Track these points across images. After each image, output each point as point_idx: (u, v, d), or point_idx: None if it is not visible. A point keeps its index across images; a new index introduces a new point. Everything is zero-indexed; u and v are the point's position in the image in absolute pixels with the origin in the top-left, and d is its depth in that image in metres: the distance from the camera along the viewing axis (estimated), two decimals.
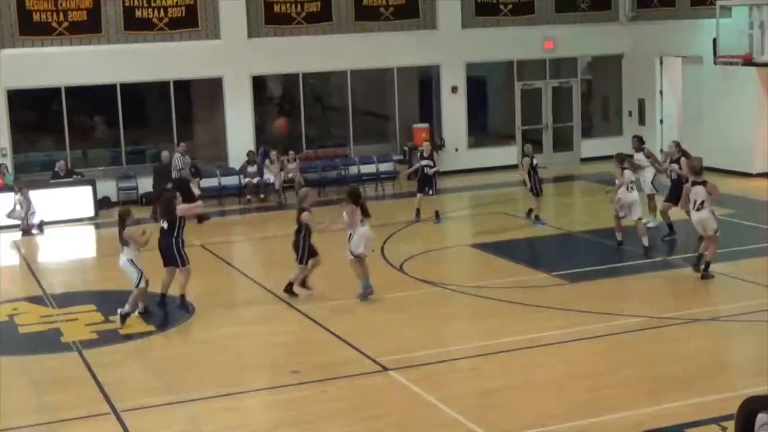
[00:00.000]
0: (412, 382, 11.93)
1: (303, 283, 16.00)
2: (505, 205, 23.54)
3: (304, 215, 15.77)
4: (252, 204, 24.88)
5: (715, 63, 23.57)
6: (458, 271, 18.25)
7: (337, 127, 28.21)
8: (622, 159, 18.52)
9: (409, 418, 10.97)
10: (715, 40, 22.97)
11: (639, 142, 20.22)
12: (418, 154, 22.50)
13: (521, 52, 28.62)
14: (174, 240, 15.31)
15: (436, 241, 20.30)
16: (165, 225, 15.36)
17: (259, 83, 26.93)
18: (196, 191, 23.98)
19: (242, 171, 25.40)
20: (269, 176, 25.21)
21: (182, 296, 15.51)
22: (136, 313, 14.98)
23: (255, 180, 25.22)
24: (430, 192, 21.70)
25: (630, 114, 29.67)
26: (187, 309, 15.42)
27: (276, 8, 26.35)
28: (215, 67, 25.64)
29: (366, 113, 29.01)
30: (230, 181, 25.53)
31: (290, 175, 25.40)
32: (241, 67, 25.90)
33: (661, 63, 28.60)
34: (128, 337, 14.29)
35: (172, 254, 15.33)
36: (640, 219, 18.36)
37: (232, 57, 25.70)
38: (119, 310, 14.71)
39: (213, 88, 26.15)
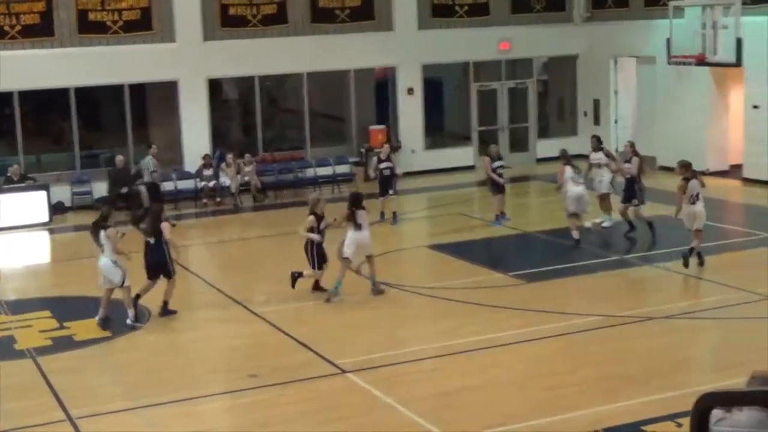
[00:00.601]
0: (371, 384, 11.92)
1: (316, 286, 16.11)
2: (462, 206, 23.59)
3: (309, 219, 15.75)
4: (208, 208, 24.73)
5: (668, 63, 23.77)
6: (416, 272, 18.25)
7: (294, 130, 28.13)
8: (563, 155, 19.30)
9: (369, 420, 10.95)
10: (668, 41, 23.17)
11: (597, 142, 20.36)
12: (376, 156, 22.47)
13: (477, 53, 28.70)
14: (165, 254, 15.19)
15: (394, 243, 20.29)
16: (152, 240, 15.17)
17: (214, 86, 26.79)
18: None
19: (198, 174, 25.25)
20: (225, 180, 25.09)
21: (165, 303, 15.32)
22: (97, 318, 14.79)
23: (211, 183, 25.09)
24: (392, 193, 21.78)
25: (585, 114, 29.86)
26: (172, 314, 15.29)
27: (231, 11, 26.23)
28: (170, 70, 25.48)
29: (322, 115, 28.95)
30: (186, 184, 25.36)
31: (246, 179, 25.29)
32: (196, 70, 25.75)
33: (616, 63, 28.81)
34: (84, 344, 14.15)
35: (164, 267, 15.20)
36: (578, 213, 18.93)
37: (188, 60, 25.55)
38: (128, 322, 14.64)
39: (168, 91, 25.97)
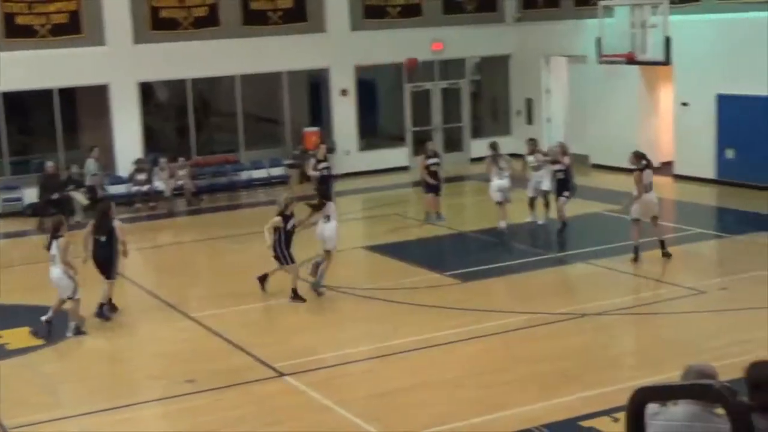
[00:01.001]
0: (309, 387, 11.89)
1: (263, 281, 16.01)
2: (397, 206, 23.61)
3: (276, 219, 15.57)
4: (142, 212, 24.46)
5: (599, 62, 24.02)
6: (351, 273, 18.20)
7: (228, 133, 27.94)
8: (492, 148, 20.18)
9: (307, 422, 10.93)
10: (598, 40, 23.41)
11: (533, 145, 20.47)
12: (313, 158, 22.35)
13: (410, 54, 28.74)
14: (113, 252, 15.18)
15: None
16: (103, 238, 15.12)
17: (146, 89, 26.54)
18: (84, 201, 23.57)
19: (131, 179, 24.99)
20: (159, 184, 24.87)
21: (102, 305, 15.24)
22: (43, 318, 14.55)
23: (144, 188, 24.84)
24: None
25: (518, 113, 30.08)
26: (106, 317, 15.19)
27: (162, 13, 25.99)
28: (101, 74, 25.17)
29: (256, 118, 28.81)
30: (119, 189, 25.06)
31: (180, 183, 25.09)
32: (127, 74, 25.47)
33: (547, 63, 29.06)
34: (16, 353, 13.90)
35: (108, 266, 15.16)
36: (507, 202, 19.71)
37: (118, 63, 25.27)
38: (68, 334, 14.32)
39: (99, 95, 25.66)
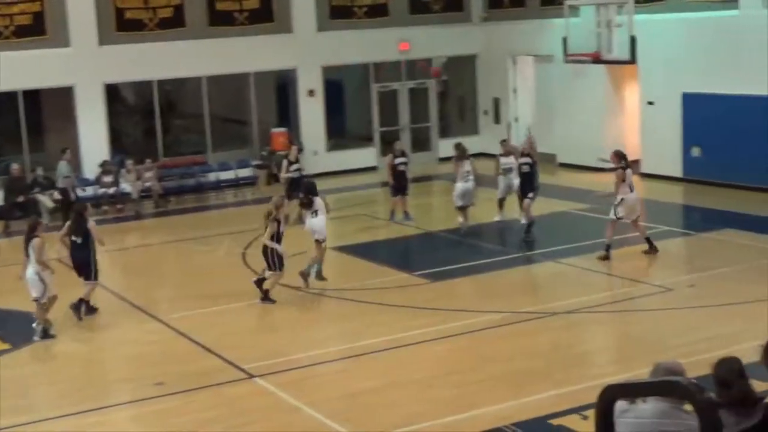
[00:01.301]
0: (279, 388, 11.87)
1: (265, 292, 15.66)
2: (366, 207, 23.61)
3: (273, 225, 15.48)
4: (109, 214, 24.29)
5: (565, 61, 24.14)
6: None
7: (195, 134, 27.84)
8: (457, 149, 20.29)
9: (278, 424, 10.91)
10: (564, 39, 23.52)
11: (506, 146, 20.50)
12: (285, 159, 22.15)
13: (377, 54, 28.77)
14: (90, 253, 15.28)
15: (298, 245, 20.18)
16: (79, 240, 15.20)
17: (112, 91, 26.37)
18: (50, 204, 23.40)
19: (98, 181, 24.83)
20: (126, 186, 24.72)
21: (87, 302, 15.37)
22: (37, 336, 14.41)
23: (111, 190, 24.69)
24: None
25: (485, 113, 30.16)
26: (91, 311, 15.42)
27: (127, 14, 25.85)
28: (66, 76, 25.00)
29: (223, 119, 28.73)
30: (85, 191, 24.89)
31: (147, 184, 24.96)
32: (92, 76, 25.31)
33: (514, 62, 29.15)
34: None
35: (86, 267, 15.26)
36: (470, 206, 19.85)
37: (83, 65, 25.11)
38: (35, 338, 14.28)
39: (64, 97, 25.49)
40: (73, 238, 15.33)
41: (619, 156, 17.45)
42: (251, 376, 12.37)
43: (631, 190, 17.17)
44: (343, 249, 19.35)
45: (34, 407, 11.76)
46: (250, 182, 26.65)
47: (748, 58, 21.99)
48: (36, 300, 14.37)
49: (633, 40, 21.26)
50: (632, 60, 21.87)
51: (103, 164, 24.80)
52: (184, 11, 26.39)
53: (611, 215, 17.33)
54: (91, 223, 15.59)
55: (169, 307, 15.83)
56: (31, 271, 14.34)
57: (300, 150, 26.52)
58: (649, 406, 6.02)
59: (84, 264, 15.31)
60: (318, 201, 16.52)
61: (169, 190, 25.62)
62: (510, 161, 19.99)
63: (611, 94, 26.21)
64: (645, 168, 25.03)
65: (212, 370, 12.71)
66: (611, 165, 17.72)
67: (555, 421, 10.37)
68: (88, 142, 25.47)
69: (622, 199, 17.11)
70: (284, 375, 12.34)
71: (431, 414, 10.80)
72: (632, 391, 6.10)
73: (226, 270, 18.22)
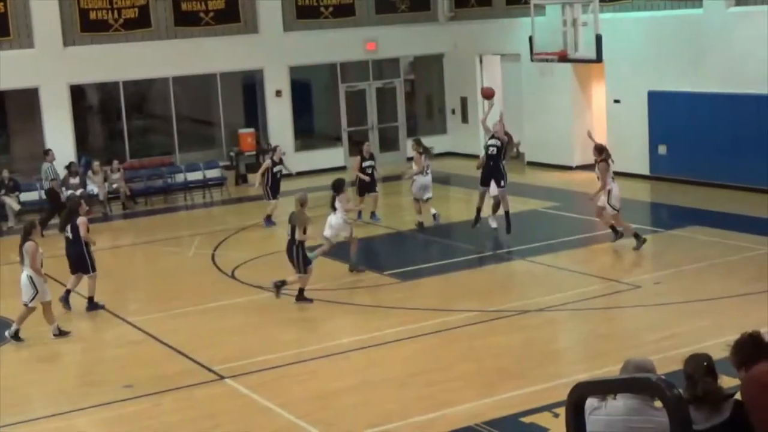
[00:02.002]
0: (250, 389, 11.83)
1: (301, 296, 15.53)
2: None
3: (310, 231, 15.43)
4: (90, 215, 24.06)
5: (532, 60, 24.17)
6: (290, 275, 18.13)
7: (162, 135, 27.72)
8: (419, 144, 20.62)
9: (249, 425, 10.88)
10: (531, 38, 23.57)
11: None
12: (271, 157, 21.83)
13: (344, 54, 28.75)
14: (82, 247, 15.54)
15: (267, 246, 20.16)
16: (70, 234, 15.48)
17: (77, 92, 26.18)
18: (16, 206, 23.22)
19: (64, 183, 24.63)
20: (93, 187, 24.54)
21: (91, 298, 15.65)
22: (52, 335, 14.36)
23: (78, 192, 24.47)
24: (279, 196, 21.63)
25: (453, 112, 30.20)
26: (99, 308, 15.67)
27: (92, 15, 25.67)
28: (30, 77, 24.77)
29: (190, 120, 28.61)
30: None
31: (114, 186, 24.82)
32: (57, 77, 25.12)
33: (481, 61, 29.21)
34: None
35: (82, 262, 15.55)
36: (428, 199, 20.09)
37: (48, 66, 24.91)
38: (8, 333, 14.24)
39: (29, 98, 25.29)
40: (66, 233, 15.64)
41: (600, 149, 17.71)
42: (221, 377, 12.33)
43: (613, 182, 17.57)
44: (312, 249, 19.26)
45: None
46: (219, 183, 26.55)
47: (713, 57, 22.17)
48: (25, 304, 14.26)
49: (599, 39, 21.29)
50: (598, 58, 21.93)
51: (70, 166, 24.59)
52: (149, 12, 26.25)
53: (610, 210, 17.50)
54: (80, 219, 15.66)
55: (137, 309, 15.75)
56: (24, 274, 14.29)
57: (264, 151, 26.56)
58: (619, 403, 6.05)
59: (78, 258, 15.57)
60: (342, 197, 17.12)
61: (137, 192, 25.50)
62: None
63: (578, 92, 26.32)
64: (612, 166, 25.09)
65: (182, 372, 12.65)
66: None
67: (526, 419, 10.40)
68: (54, 144, 25.20)
69: (609, 191, 17.36)
70: (255, 376, 12.31)
71: (403, 413, 10.80)
72: (602, 388, 6.13)
73: (195, 271, 18.15)
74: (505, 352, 12.76)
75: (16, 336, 14.32)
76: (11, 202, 23.28)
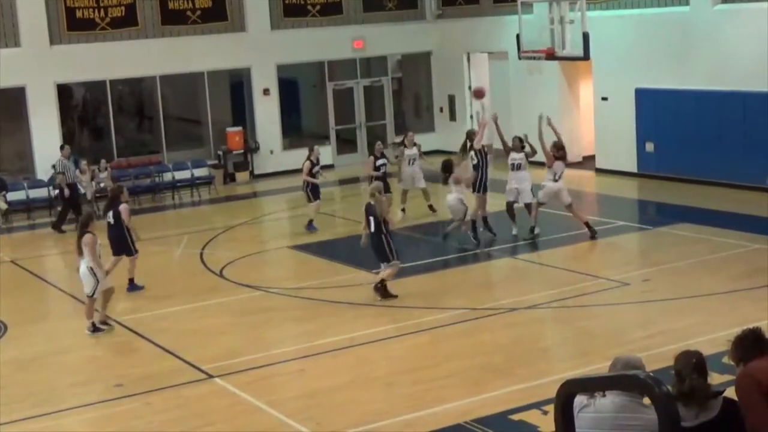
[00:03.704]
0: (239, 388, 11.82)
1: (383, 288, 15.14)
2: (322, 205, 23.51)
3: (383, 207, 15.23)
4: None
5: (519, 58, 24.22)
6: (279, 273, 18.18)
7: (149, 134, 27.68)
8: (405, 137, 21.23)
9: (238, 424, 10.86)
10: (518, 36, 23.61)
11: (520, 142, 19.05)
12: (308, 161, 20.75)
13: (331, 53, 28.74)
14: (123, 231, 16.16)
15: (255, 245, 20.16)
16: (112, 220, 16.00)
17: (64, 91, 26.12)
18: (3, 205, 23.15)
19: (51, 182, 24.57)
20: (80, 187, 24.43)
21: (131, 280, 16.38)
22: (98, 323, 14.50)
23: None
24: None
25: (441, 110, 30.22)
26: (139, 289, 16.41)
27: (78, 14, 25.60)
28: (16, 76, 24.66)
29: (178, 119, 28.55)
30: (39, 193, 24.67)
31: (102, 185, 24.74)
32: (44, 76, 25.05)
33: (469, 59, 29.23)
34: None
35: (125, 243, 16.21)
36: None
37: (34, 65, 24.83)
38: (87, 331, 14.37)
39: (15, 97, 25.20)
40: (108, 219, 16.26)
41: (558, 147, 18.14)
42: (211, 376, 12.32)
43: (555, 180, 17.89)
44: (300, 248, 19.31)
45: None
46: (206, 182, 26.52)
47: (700, 54, 22.22)
48: (89, 296, 14.37)
49: (586, 37, 21.36)
50: (586, 56, 21.98)
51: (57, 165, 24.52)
52: (136, 10, 26.19)
53: (532, 198, 18.36)
54: (123, 206, 16.30)
55: (126, 309, 15.71)
56: (83, 266, 14.36)
57: (252, 150, 26.56)
58: (608, 401, 6.06)
59: (120, 240, 16.13)
60: (451, 179, 17.72)
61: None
62: (520, 156, 18.70)
63: (566, 90, 26.36)
64: (600, 164, 25.21)
65: (171, 371, 12.64)
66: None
67: (515, 417, 10.41)
68: (41, 143, 25.20)
69: (544, 186, 18.05)
70: (244, 375, 12.30)
71: (392, 411, 10.80)
72: (591, 385, 6.15)
73: (184, 270, 18.14)
74: (494, 349, 12.77)
75: (94, 328, 14.44)
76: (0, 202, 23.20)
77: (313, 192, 20.63)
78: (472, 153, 18.85)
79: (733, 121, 21.49)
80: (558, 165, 18.08)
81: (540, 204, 18.39)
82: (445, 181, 17.94)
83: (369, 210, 15.15)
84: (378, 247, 15.17)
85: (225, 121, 27.98)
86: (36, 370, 13.24)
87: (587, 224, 18.19)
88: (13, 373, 13.10)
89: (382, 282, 15.11)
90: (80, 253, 14.37)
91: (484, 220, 18.75)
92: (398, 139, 21.12)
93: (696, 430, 5.79)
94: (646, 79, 23.49)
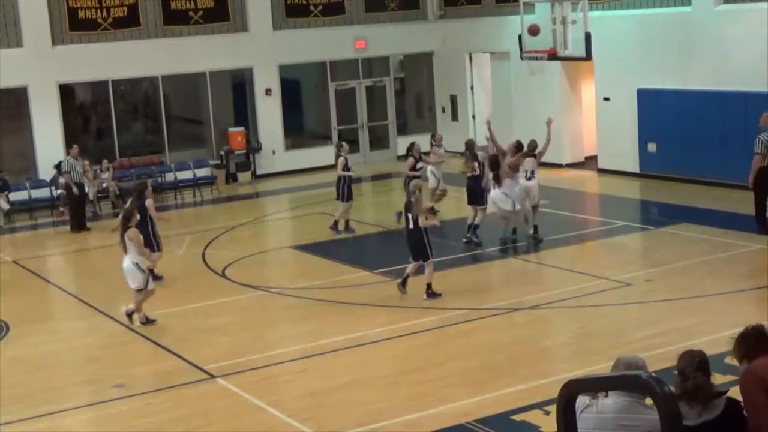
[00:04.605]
0: (240, 388, 11.82)
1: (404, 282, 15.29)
2: (324, 205, 23.53)
3: (420, 204, 15.17)
4: (65, 216, 24.06)
5: (521, 58, 24.21)
6: (280, 273, 18.18)
7: (152, 134, 27.68)
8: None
9: (239, 423, 10.86)
10: (520, 36, 23.60)
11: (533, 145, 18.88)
12: (342, 154, 20.25)
13: (333, 53, 28.74)
14: (150, 230, 16.49)
15: (257, 245, 20.17)
16: (138, 216, 15.81)
17: (67, 92, 26.11)
18: (5, 206, 23.16)
19: (53, 182, 24.59)
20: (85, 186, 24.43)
21: (151, 270, 15.91)
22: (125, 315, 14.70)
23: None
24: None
25: (443, 110, 30.21)
26: (158, 279, 16.49)
27: (81, 14, 25.61)
28: (19, 76, 24.68)
29: (180, 119, 28.56)
30: (41, 193, 24.68)
31: (104, 185, 24.77)
32: (46, 76, 25.05)
33: (471, 59, 29.23)
34: None
35: (148, 240, 16.13)
36: None
37: (37, 65, 24.84)
38: (138, 323, 14.54)
39: (17, 98, 25.22)
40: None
41: (517, 146, 18.26)
42: (212, 376, 12.32)
43: (528, 179, 18.00)
44: (302, 248, 19.31)
45: None
46: (209, 182, 26.52)
47: (701, 54, 22.21)
48: (138, 290, 14.49)
49: (588, 37, 21.35)
50: (588, 56, 21.98)
51: (59, 165, 24.54)
52: (138, 10, 26.20)
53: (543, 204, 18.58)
54: (149, 201, 16.69)
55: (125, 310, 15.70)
56: (128, 261, 14.49)
57: (254, 150, 26.60)
58: (610, 401, 6.06)
59: (145, 237, 15.89)
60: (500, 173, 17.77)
61: (126, 191, 25.38)
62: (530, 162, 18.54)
63: (567, 90, 26.35)
64: (602, 164, 25.20)
65: (173, 371, 12.64)
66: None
67: (517, 417, 10.41)
68: (43, 144, 25.21)
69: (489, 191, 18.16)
70: (246, 375, 12.30)
71: (394, 411, 10.80)
72: (593, 385, 6.15)
73: (186, 270, 18.13)
74: (496, 349, 12.77)
75: (147, 321, 14.59)
76: (0, 202, 23.20)
77: (348, 191, 19.98)
78: (476, 164, 18.70)
79: (735, 122, 21.47)
80: (529, 162, 18.01)
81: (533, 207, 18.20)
82: (496, 178, 17.80)
83: (409, 207, 15.28)
84: (417, 243, 15.21)
85: (227, 122, 27.99)
86: (37, 370, 13.24)
87: (536, 228, 18.22)
88: (14, 372, 13.11)
89: (428, 285, 15.13)
90: (124, 248, 14.53)
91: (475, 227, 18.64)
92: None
93: (699, 428, 5.79)
94: (648, 80, 23.48)
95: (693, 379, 5.86)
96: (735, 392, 6.06)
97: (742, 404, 5.97)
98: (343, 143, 21.00)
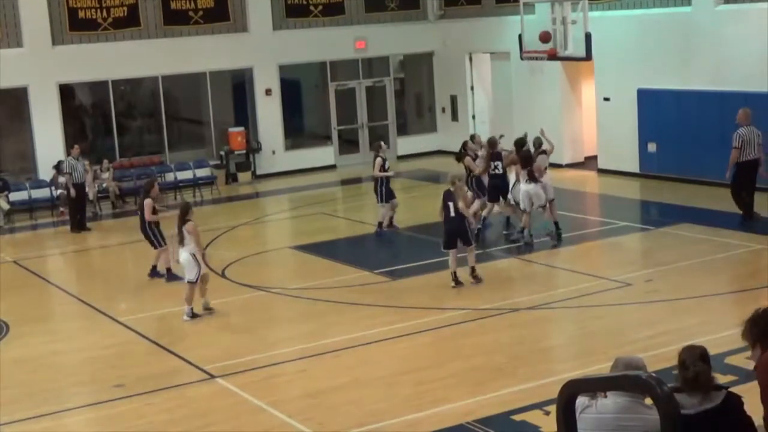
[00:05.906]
0: (241, 388, 11.83)
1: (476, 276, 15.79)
2: (324, 205, 23.59)
3: (461, 194, 15.58)
4: (65, 216, 24.07)
5: (521, 58, 24.21)
6: (280, 273, 18.17)
7: (152, 134, 27.68)
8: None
9: (240, 424, 10.86)
10: (520, 36, 23.60)
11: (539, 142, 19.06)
12: (379, 157, 19.67)
13: (333, 53, 28.74)
14: (145, 225, 16.94)
15: (257, 245, 20.17)
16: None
17: (66, 92, 26.12)
18: (5, 206, 23.17)
19: (53, 182, 24.59)
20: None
21: (154, 267, 17.03)
22: (202, 309, 14.87)
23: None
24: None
25: (443, 110, 30.21)
26: (159, 277, 17.01)
27: (81, 14, 25.61)
28: (19, 77, 24.69)
29: (180, 119, 28.57)
30: (41, 193, 24.69)
31: (104, 185, 24.77)
32: (46, 76, 25.06)
33: (471, 60, 29.23)
34: None
35: (147, 238, 16.96)
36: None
37: (37, 65, 24.85)
38: (185, 317, 14.70)
39: (17, 98, 25.22)
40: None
41: (491, 144, 18.73)
42: (213, 376, 12.32)
43: (530, 182, 17.83)
44: (302, 248, 19.31)
45: None
46: (209, 182, 26.52)
47: (702, 54, 22.21)
48: (191, 282, 14.64)
49: (588, 37, 21.35)
50: (588, 57, 21.98)
51: (58, 165, 24.55)
52: (138, 10, 26.21)
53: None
54: (147, 201, 16.91)
55: (127, 309, 15.71)
56: (185, 254, 14.68)
57: (254, 150, 26.59)
58: (610, 401, 6.06)
59: (144, 235, 17.00)
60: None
61: (127, 191, 25.44)
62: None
63: (568, 90, 26.35)
64: (602, 164, 25.20)
65: (173, 371, 12.64)
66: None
67: (517, 417, 10.41)
68: (43, 144, 25.22)
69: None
70: (246, 375, 12.30)
71: (395, 411, 10.80)
72: (593, 386, 6.14)
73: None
74: (496, 350, 12.76)
75: (193, 315, 14.71)
76: (1, 202, 23.20)
77: (386, 192, 19.65)
78: (498, 163, 18.78)
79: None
80: (542, 159, 18.15)
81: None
82: (530, 174, 17.76)
83: (448, 196, 15.51)
84: (459, 230, 15.55)
85: (227, 122, 27.99)
86: (37, 370, 13.24)
87: (523, 229, 18.20)
88: (14, 373, 13.10)
89: (472, 268, 15.67)
90: (181, 241, 14.70)
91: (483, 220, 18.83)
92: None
93: (698, 417, 5.76)
94: (648, 80, 23.48)
95: (693, 367, 5.83)
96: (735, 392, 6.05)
97: (743, 398, 5.96)
98: (382, 143, 20.48)
